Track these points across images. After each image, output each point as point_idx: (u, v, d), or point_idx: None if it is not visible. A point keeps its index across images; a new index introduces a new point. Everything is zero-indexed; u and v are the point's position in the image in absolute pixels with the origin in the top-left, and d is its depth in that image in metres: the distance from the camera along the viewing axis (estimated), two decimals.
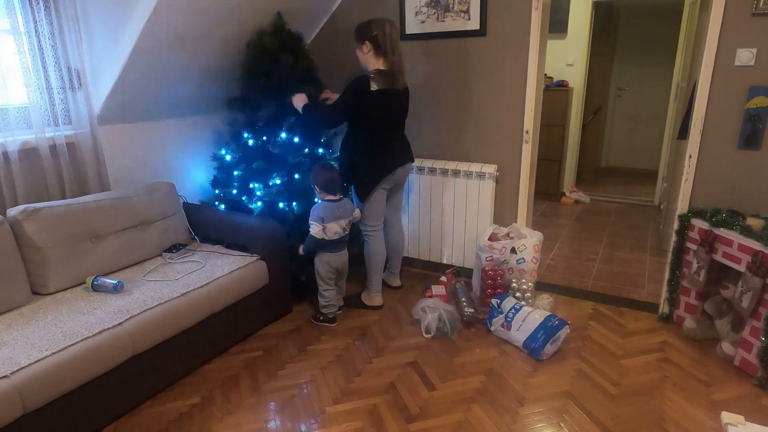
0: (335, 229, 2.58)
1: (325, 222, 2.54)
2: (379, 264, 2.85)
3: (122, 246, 2.45)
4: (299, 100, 2.66)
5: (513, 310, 2.55)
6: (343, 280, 2.81)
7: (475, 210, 3.09)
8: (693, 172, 2.57)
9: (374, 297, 2.93)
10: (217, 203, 2.96)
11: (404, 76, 2.61)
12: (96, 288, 2.20)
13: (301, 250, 2.64)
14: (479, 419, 2.01)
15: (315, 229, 2.53)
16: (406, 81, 2.65)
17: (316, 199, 2.71)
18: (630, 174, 6.32)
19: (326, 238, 2.57)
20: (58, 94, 2.42)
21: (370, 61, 2.53)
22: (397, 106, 2.64)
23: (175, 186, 2.84)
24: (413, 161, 2.85)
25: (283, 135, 2.74)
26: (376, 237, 2.80)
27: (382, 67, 2.52)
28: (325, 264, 2.66)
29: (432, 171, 3.14)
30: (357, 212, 2.70)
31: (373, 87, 2.46)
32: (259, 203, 2.77)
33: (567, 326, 2.45)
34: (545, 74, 4.60)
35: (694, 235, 2.52)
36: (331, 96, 2.83)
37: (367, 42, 2.50)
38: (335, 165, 2.76)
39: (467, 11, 2.91)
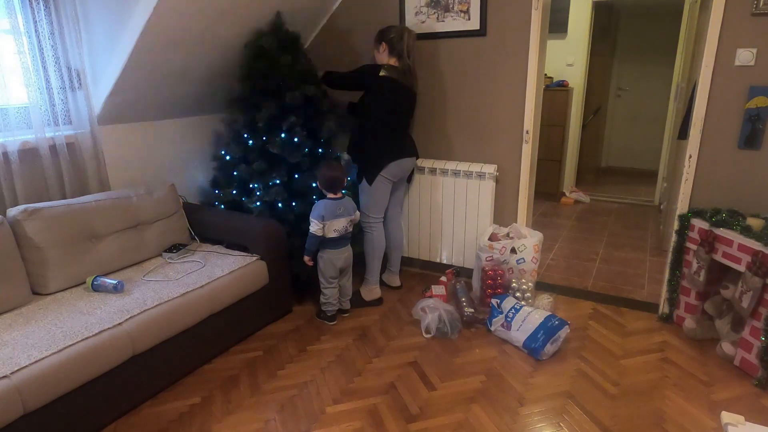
0: (335, 227, 2.59)
1: (325, 220, 2.55)
2: (378, 255, 2.93)
3: (122, 246, 2.45)
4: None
5: (513, 310, 2.55)
6: (347, 279, 2.80)
7: (475, 210, 3.09)
8: (693, 172, 2.57)
9: (373, 290, 2.97)
10: (217, 203, 2.96)
11: (416, 81, 2.84)
12: (96, 288, 2.20)
13: (306, 261, 2.65)
14: (479, 419, 2.01)
15: (314, 227, 2.55)
16: (416, 86, 2.86)
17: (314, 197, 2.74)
18: (630, 174, 6.32)
19: (326, 236, 2.57)
20: (58, 94, 2.41)
21: (384, 59, 2.75)
22: (404, 100, 2.82)
23: (175, 186, 2.84)
24: (418, 157, 3.01)
25: (283, 135, 2.74)
26: (377, 229, 2.89)
27: (394, 65, 2.73)
28: (328, 262, 2.66)
29: (432, 171, 3.14)
30: (357, 213, 2.72)
31: (382, 73, 2.69)
32: (259, 203, 2.77)
33: (567, 326, 2.45)
34: (545, 74, 4.60)
35: (694, 235, 2.52)
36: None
37: (383, 43, 2.74)
38: (338, 163, 2.81)
39: (467, 11, 2.91)
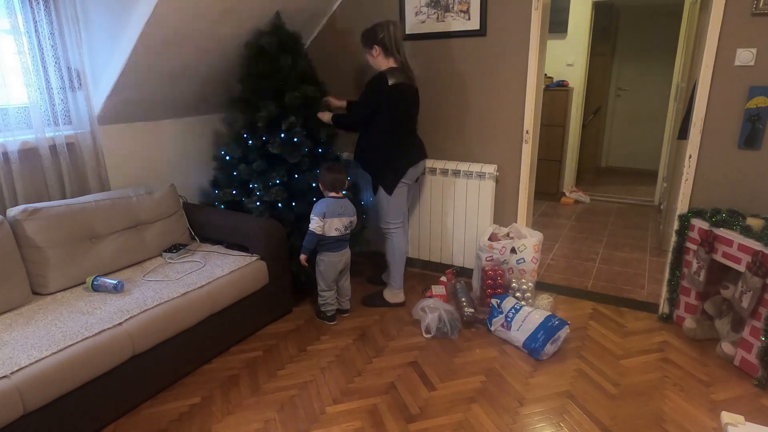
0: (335, 225, 2.58)
1: (327, 217, 2.55)
2: (400, 260, 2.87)
3: (122, 246, 2.45)
4: (326, 117, 2.80)
5: (513, 310, 2.55)
6: (345, 279, 2.80)
7: (475, 210, 3.09)
8: (693, 172, 2.57)
9: (397, 294, 2.96)
10: (217, 203, 2.96)
11: (413, 75, 2.71)
12: (96, 288, 2.20)
13: (302, 260, 2.64)
14: (479, 419, 2.01)
15: (314, 224, 2.54)
16: (415, 81, 2.73)
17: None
18: (630, 174, 6.31)
19: (325, 234, 2.57)
20: (58, 94, 2.41)
21: (382, 62, 2.63)
22: (412, 100, 2.72)
23: (175, 186, 2.84)
24: (427, 157, 2.92)
25: (283, 135, 2.74)
26: (398, 234, 2.82)
27: (393, 65, 2.61)
28: (329, 265, 2.65)
29: (432, 171, 3.14)
30: (355, 218, 2.71)
31: (391, 81, 2.54)
32: (259, 203, 2.77)
33: (567, 326, 2.45)
34: (545, 74, 4.60)
35: (694, 235, 2.52)
36: (332, 100, 2.95)
37: (375, 46, 2.60)
38: (340, 163, 2.79)
39: (467, 11, 2.91)
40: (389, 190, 2.71)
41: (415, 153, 2.76)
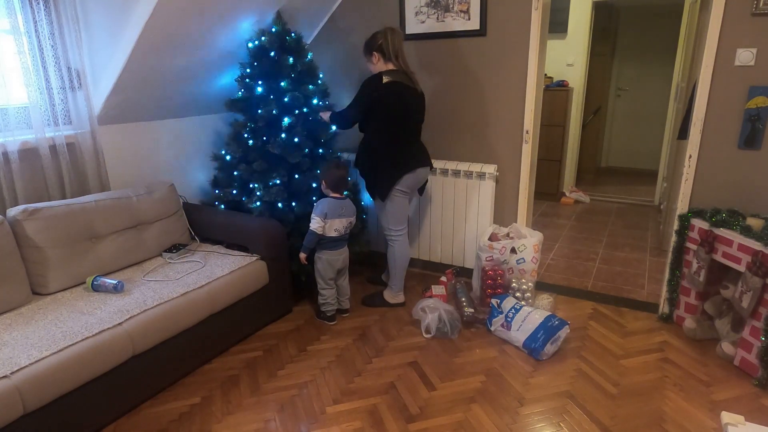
0: (336, 226, 2.59)
1: (328, 218, 2.55)
2: (401, 266, 2.86)
3: (122, 246, 2.45)
4: (326, 116, 2.79)
5: (513, 310, 2.55)
6: (344, 279, 2.80)
7: (475, 210, 3.09)
8: (693, 172, 2.57)
9: (397, 295, 2.96)
10: (217, 203, 2.96)
11: (416, 79, 2.66)
12: (96, 288, 2.20)
13: (302, 258, 2.64)
14: (479, 419, 2.01)
15: (315, 224, 2.55)
16: (419, 86, 2.67)
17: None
18: (630, 174, 6.32)
19: (325, 234, 2.57)
20: (58, 94, 2.41)
21: (381, 68, 2.59)
22: (412, 103, 2.63)
23: (175, 186, 2.84)
24: (432, 167, 2.83)
25: (283, 135, 2.74)
26: (401, 241, 2.80)
27: (392, 68, 2.58)
28: (326, 264, 2.66)
29: (432, 171, 3.14)
30: (354, 219, 2.70)
31: (385, 80, 2.51)
32: (259, 203, 2.77)
33: (567, 326, 2.45)
34: (545, 74, 4.60)
35: (694, 235, 2.52)
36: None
37: (374, 52, 2.58)
38: (343, 163, 2.78)
39: (467, 11, 2.91)
40: (382, 197, 2.68)
41: (413, 160, 2.66)
